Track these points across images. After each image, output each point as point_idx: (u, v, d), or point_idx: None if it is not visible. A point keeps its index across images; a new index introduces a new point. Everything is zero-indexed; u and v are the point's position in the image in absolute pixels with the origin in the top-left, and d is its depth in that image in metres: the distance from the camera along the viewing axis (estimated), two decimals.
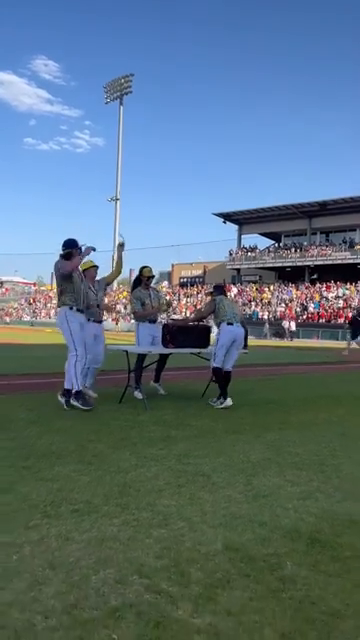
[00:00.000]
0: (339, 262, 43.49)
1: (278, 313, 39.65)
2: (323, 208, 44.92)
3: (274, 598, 1.78)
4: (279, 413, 5.52)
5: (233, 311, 5.97)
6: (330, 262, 44.00)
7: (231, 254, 52.18)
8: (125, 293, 47.42)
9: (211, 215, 52.08)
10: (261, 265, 49.77)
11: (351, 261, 42.71)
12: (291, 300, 41.60)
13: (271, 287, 45.69)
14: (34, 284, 79.08)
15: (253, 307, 41.98)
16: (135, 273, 7.03)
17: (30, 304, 62.07)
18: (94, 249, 5.57)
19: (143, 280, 6.54)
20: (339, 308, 37.02)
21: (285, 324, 35.34)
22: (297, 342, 31.53)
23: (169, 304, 7.64)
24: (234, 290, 44.67)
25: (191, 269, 58.93)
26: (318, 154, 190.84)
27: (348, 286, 39.93)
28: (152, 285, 6.74)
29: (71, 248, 5.35)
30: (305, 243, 47.90)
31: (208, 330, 6.51)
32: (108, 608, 1.67)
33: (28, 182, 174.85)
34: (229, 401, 5.69)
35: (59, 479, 2.92)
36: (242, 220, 52.64)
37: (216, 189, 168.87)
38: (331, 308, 37.68)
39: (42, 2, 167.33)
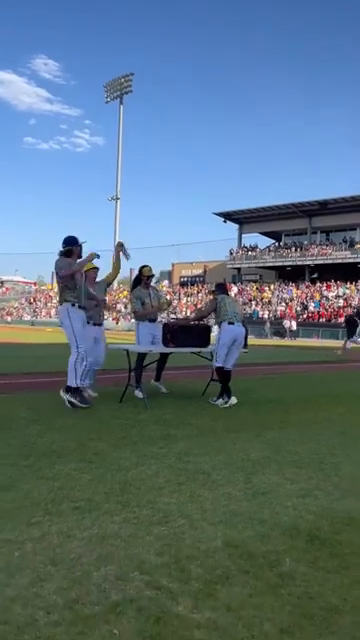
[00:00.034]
0: (339, 261, 43.51)
1: (278, 312, 39.68)
2: (323, 207, 44.93)
3: (273, 594, 1.80)
4: (279, 412, 5.54)
5: (234, 310, 5.99)
6: (330, 261, 44.02)
7: (231, 253, 52.21)
8: (125, 292, 47.43)
9: (211, 214, 52.18)
10: (261, 264, 49.81)
11: (351, 260, 42.73)
12: (291, 299, 41.63)
13: (271, 286, 45.73)
14: (34, 283, 79.11)
15: (253, 306, 42.01)
16: (135, 272, 7.05)
17: (30, 303, 62.11)
18: (98, 256, 5.61)
19: (143, 279, 6.56)
20: (339, 307, 37.03)
21: (286, 323, 35.38)
22: (297, 341, 31.55)
23: (169, 303, 7.66)
24: (234, 289, 44.66)
25: (191, 268, 58.95)
26: (318, 153, 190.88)
27: (348, 285, 39.96)
28: (152, 284, 6.76)
29: (71, 245, 5.37)
30: (305, 242, 47.92)
31: (208, 329, 6.53)
32: (109, 604, 1.69)
33: (28, 181, 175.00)
34: (234, 399, 5.70)
35: (60, 477, 2.94)
36: (242, 219, 52.66)
37: (216, 188, 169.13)
38: (331, 307, 37.71)
39: (42, 1, 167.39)
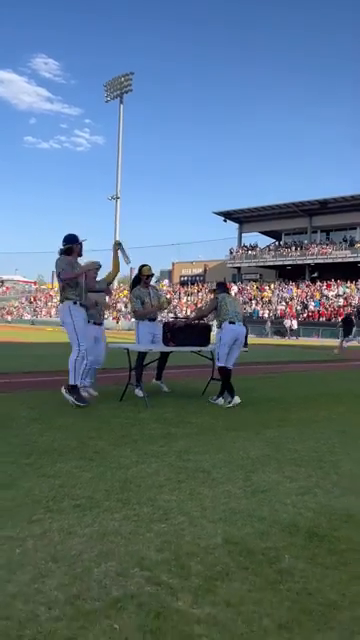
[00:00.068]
0: (339, 260, 43.53)
1: (279, 311, 39.70)
2: (323, 206, 44.94)
3: (272, 590, 1.82)
4: (279, 411, 5.56)
5: (235, 310, 5.99)
6: (330, 260, 44.04)
7: (232, 252, 52.22)
8: (125, 292, 47.43)
9: (211, 213, 52.19)
10: (261, 263, 49.82)
11: (351, 259, 42.75)
12: (291, 298, 41.64)
13: (271, 285, 45.74)
14: (35, 283, 79.16)
15: (254, 305, 42.02)
16: (135, 272, 7.06)
17: (31, 303, 62.15)
18: (99, 266, 5.72)
19: (142, 279, 6.57)
20: (339, 306, 37.04)
21: (287, 323, 35.40)
22: (296, 341, 31.58)
23: (169, 301, 7.68)
24: (235, 288, 44.69)
25: (191, 267, 58.97)
26: (318, 152, 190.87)
27: (348, 284, 39.97)
28: (151, 283, 6.77)
29: (71, 243, 5.39)
30: (305, 241, 47.93)
31: (208, 328, 6.54)
32: (110, 599, 1.71)
33: (28, 181, 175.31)
34: (237, 399, 5.68)
35: (61, 475, 2.96)
36: (242, 218, 52.67)
37: (216, 187, 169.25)
38: (331, 306, 37.71)
39: (42, 1, 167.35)
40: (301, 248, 46.88)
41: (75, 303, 5.31)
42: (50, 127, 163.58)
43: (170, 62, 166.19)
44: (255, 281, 49.55)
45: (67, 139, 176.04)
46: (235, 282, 48.46)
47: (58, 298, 5.92)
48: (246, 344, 6.47)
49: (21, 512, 2.39)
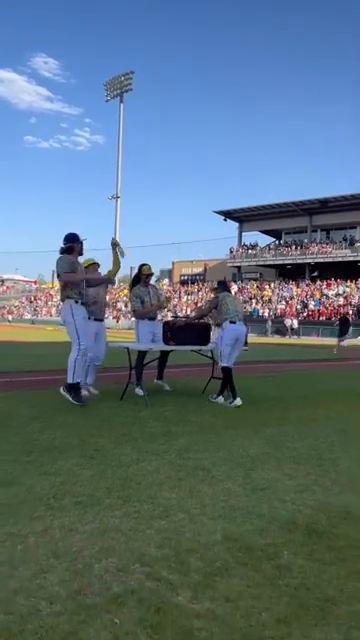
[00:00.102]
0: (339, 259, 43.53)
1: (279, 310, 39.72)
2: (324, 205, 44.95)
3: (271, 585, 1.84)
4: (279, 409, 5.58)
5: (236, 309, 5.98)
6: (330, 260, 44.04)
7: (232, 252, 52.24)
8: (126, 291, 47.46)
9: (212, 213, 52.22)
10: (262, 262, 49.82)
11: (351, 258, 42.75)
12: (291, 297, 41.65)
13: (272, 284, 45.75)
14: (35, 282, 79.19)
15: (254, 305, 42.03)
16: (135, 271, 7.08)
17: (31, 302, 62.16)
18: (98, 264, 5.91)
19: (142, 278, 6.59)
20: (339, 305, 37.05)
21: (287, 322, 35.43)
22: (297, 340, 31.60)
23: (168, 300, 7.70)
24: (235, 288, 44.71)
25: (192, 267, 59.00)
26: (318, 151, 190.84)
27: (348, 283, 39.98)
28: (151, 283, 6.79)
29: (72, 242, 5.41)
30: (305, 240, 47.94)
31: (208, 327, 6.56)
32: (110, 594, 1.73)
33: (28, 180, 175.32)
34: (238, 401, 5.65)
35: (62, 473, 2.98)
36: (243, 218, 52.67)
37: (217, 187, 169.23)
38: (331, 305, 37.72)
39: (42, 0, 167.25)
40: (301, 247, 46.89)
41: (77, 302, 5.33)
42: (50, 126, 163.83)
43: (170, 62, 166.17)
44: (255, 280, 49.56)
45: (67, 138, 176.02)
46: (235, 281, 48.45)
47: (58, 297, 5.93)
48: (246, 343, 6.50)
49: (22, 509, 2.42)
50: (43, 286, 72.16)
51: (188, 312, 38.63)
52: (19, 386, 6.66)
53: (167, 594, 1.75)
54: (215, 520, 2.40)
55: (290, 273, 47.82)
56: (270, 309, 40.40)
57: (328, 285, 41.21)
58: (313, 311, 38.32)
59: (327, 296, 39.58)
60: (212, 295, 6.43)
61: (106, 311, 6.70)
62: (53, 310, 53.04)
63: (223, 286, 6.40)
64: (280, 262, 48.23)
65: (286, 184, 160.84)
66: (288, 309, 39.20)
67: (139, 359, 6.10)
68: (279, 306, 40.55)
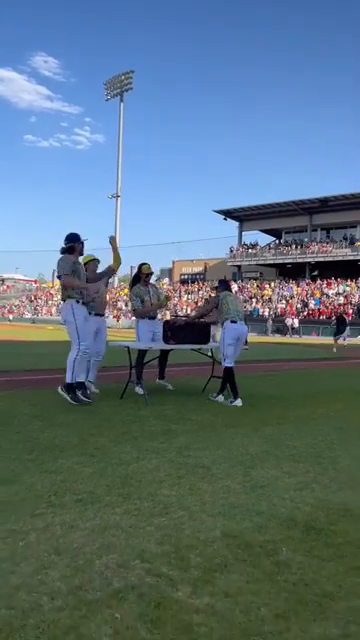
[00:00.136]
0: (340, 259, 43.54)
1: (279, 310, 39.73)
2: (324, 204, 44.95)
3: (270, 581, 1.86)
4: (278, 408, 5.60)
5: (236, 308, 5.98)
6: (331, 259, 44.05)
7: (232, 251, 52.25)
8: (126, 290, 47.49)
9: (212, 212, 52.21)
10: (262, 262, 49.83)
11: (352, 258, 42.76)
12: (292, 297, 41.67)
13: (272, 284, 45.76)
14: (35, 281, 79.24)
15: (254, 304, 42.05)
16: (135, 270, 7.10)
17: (31, 301, 62.19)
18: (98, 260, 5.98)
19: (142, 277, 6.60)
20: (340, 304, 37.07)
21: (288, 321, 35.45)
22: (298, 339, 31.62)
23: (168, 298, 7.71)
24: (235, 287, 44.73)
25: (192, 266, 59.03)
26: (318, 150, 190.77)
27: (349, 283, 39.99)
28: (151, 282, 6.80)
29: (73, 242, 5.44)
30: (306, 240, 47.95)
31: (208, 326, 6.57)
32: (111, 590, 1.75)
33: (29, 179, 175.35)
34: (239, 401, 5.66)
35: (63, 471, 3.01)
36: (243, 217, 52.67)
37: (217, 186, 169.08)
38: (332, 305, 37.74)
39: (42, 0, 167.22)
40: (301, 246, 46.89)
41: (78, 302, 5.35)
42: (50, 125, 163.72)
43: (170, 62, 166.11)
44: (255, 279, 49.58)
45: (67, 137, 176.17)
46: (235, 280, 48.46)
47: (59, 296, 5.93)
48: (246, 342, 6.51)
49: (24, 506, 2.44)
50: (43, 285, 72.22)
51: (188, 311, 38.64)
52: (19, 385, 6.68)
53: (167, 589, 1.77)
54: (215, 517, 2.42)
55: (290, 272, 47.83)
56: (270, 308, 40.41)
57: (328, 284, 41.23)
58: (313, 310, 38.33)
59: (327, 295, 39.59)
60: (212, 294, 6.44)
61: (106, 307, 6.72)
62: (53, 309, 53.07)
63: (224, 285, 6.39)
64: (280, 261, 48.24)
65: (286, 183, 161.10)
66: (288, 308, 39.22)
67: (139, 358, 6.12)
68: (279, 305, 40.56)
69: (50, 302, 57.53)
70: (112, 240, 6.14)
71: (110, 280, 6.99)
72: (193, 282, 53.18)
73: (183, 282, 55.47)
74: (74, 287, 5.30)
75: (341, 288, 39.84)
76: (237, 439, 4.02)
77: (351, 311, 35.54)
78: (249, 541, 2.17)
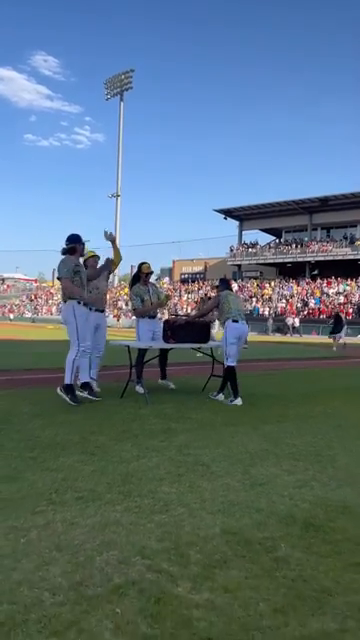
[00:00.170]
0: (340, 258, 43.53)
1: (279, 309, 39.74)
2: (324, 204, 44.93)
3: (268, 577, 1.89)
4: (278, 407, 5.62)
5: (238, 308, 5.99)
6: (331, 258, 44.04)
7: (232, 250, 52.24)
8: (126, 289, 47.50)
9: (212, 211, 52.27)
10: (262, 261, 49.82)
11: (352, 257, 42.74)
12: (292, 296, 41.67)
13: (272, 283, 45.76)
14: (35, 280, 79.27)
15: (254, 303, 42.06)
16: (135, 270, 7.11)
17: (32, 301, 62.21)
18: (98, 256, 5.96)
19: (142, 276, 6.61)
20: (340, 304, 37.07)
21: (289, 320, 35.46)
22: (299, 338, 31.63)
23: (168, 297, 7.72)
24: (235, 286, 44.72)
25: (192, 265, 59.01)
26: (319, 150, 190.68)
27: (349, 282, 39.99)
28: (151, 281, 6.82)
29: (75, 243, 5.46)
30: (306, 239, 47.93)
31: (208, 325, 6.59)
32: (112, 586, 1.77)
33: (29, 179, 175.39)
34: (239, 401, 5.68)
35: (64, 469, 3.03)
36: (243, 216, 52.65)
37: (217, 185, 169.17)
38: (332, 304, 37.74)
39: None
40: (301, 245, 46.89)
41: (79, 303, 5.37)
42: (50, 125, 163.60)
43: (170, 62, 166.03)
44: (255, 279, 49.57)
45: (67, 137, 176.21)
46: (235, 280, 48.45)
47: (59, 296, 5.95)
48: (245, 341, 6.53)
49: (25, 504, 2.46)
50: (43, 284, 72.26)
51: (188, 310, 38.66)
52: (20, 384, 6.70)
53: (167, 585, 1.79)
54: (214, 514, 2.44)
55: (290, 271, 47.83)
56: (270, 307, 40.41)
57: (328, 283, 41.23)
58: (313, 309, 38.33)
59: (327, 294, 39.60)
60: (212, 293, 6.46)
61: (106, 302, 6.72)
62: (54, 308, 53.07)
63: (225, 284, 6.37)
64: (280, 260, 48.23)
65: (286, 183, 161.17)
66: (288, 307, 39.22)
67: (139, 357, 6.14)
68: (279, 304, 40.57)
69: (50, 301, 57.54)
70: (111, 237, 6.16)
71: (110, 279, 6.99)
72: (193, 281, 53.17)
73: (183, 281, 55.46)
74: (73, 294, 5.30)
75: (341, 287, 39.84)
76: (237, 437, 4.04)
77: (351, 310, 35.55)
78: (248, 538, 2.19)
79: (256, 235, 54.10)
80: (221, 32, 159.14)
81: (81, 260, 5.68)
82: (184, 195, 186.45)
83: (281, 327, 35.57)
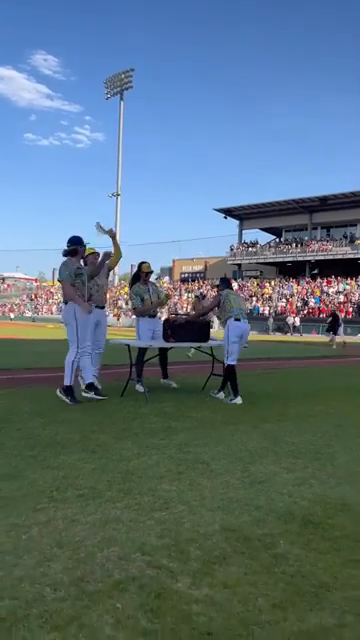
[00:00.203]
0: (340, 257, 43.55)
1: (279, 308, 39.77)
2: (324, 203, 44.94)
3: (267, 573, 1.90)
4: (278, 405, 5.63)
5: (239, 306, 5.99)
6: (331, 257, 44.06)
7: (232, 249, 52.25)
8: (126, 289, 47.51)
9: (212, 210, 52.28)
10: (262, 260, 49.84)
11: (352, 256, 42.76)
12: (292, 295, 41.69)
13: (272, 282, 45.79)
14: (35, 280, 79.32)
15: (254, 302, 42.09)
16: (135, 269, 7.13)
17: (32, 300, 62.25)
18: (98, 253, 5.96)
19: (142, 275, 6.62)
20: (340, 303, 37.09)
21: (290, 320, 35.49)
22: (299, 337, 31.65)
23: (168, 296, 7.73)
24: (235, 285, 44.71)
25: (192, 264, 59.04)
26: (318, 149, 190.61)
27: (349, 281, 40.02)
28: (151, 280, 6.83)
29: (76, 245, 5.48)
30: (306, 238, 47.94)
31: (208, 324, 6.60)
32: (112, 581, 1.79)
33: (29, 178, 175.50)
34: (239, 399, 5.68)
35: (64, 467, 3.05)
36: (243, 215, 52.65)
37: (217, 184, 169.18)
38: (332, 303, 37.76)
39: None
40: (301, 245, 46.89)
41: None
42: (50, 124, 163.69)
43: (170, 61, 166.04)
44: (255, 278, 49.61)
45: (67, 136, 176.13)
46: (236, 279, 48.47)
47: (59, 295, 5.96)
48: (246, 340, 6.55)
49: (26, 501, 2.48)
50: (44, 284, 72.31)
51: (188, 310, 38.68)
52: (20, 383, 6.72)
53: (167, 581, 1.81)
54: (214, 511, 2.46)
55: (290, 271, 47.85)
56: (270, 307, 40.44)
57: (328, 283, 41.25)
58: (313, 309, 38.36)
59: (327, 294, 39.62)
60: (212, 293, 6.48)
61: (107, 299, 6.74)
62: (54, 308, 53.10)
63: (226, 283, 6.36)
64: (280, 260, 48.25)
65: (286, 182, 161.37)
66: (288, 307, 39.24)
67: (139, 356, 6.16)
68: (279, 304, 40.59)
69: (50, 301, 57.58)
70: (112, 233, 6.18)
71: (110, 279, 7.00)
72: (193, 281, 53.21)
73: (183, 281, 55.49)
74: (73, 301, 5.31)
75: (341, 286, 39.86)
76: (236, 436, 4.06)
77: (351, 309, 35.57)
78: (247, 534, 2.21)
79: (256, 234, 54.22)
80: (221, 32, 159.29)
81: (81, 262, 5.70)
82: (184, 194, 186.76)
83: (281, 326, 35.60)
